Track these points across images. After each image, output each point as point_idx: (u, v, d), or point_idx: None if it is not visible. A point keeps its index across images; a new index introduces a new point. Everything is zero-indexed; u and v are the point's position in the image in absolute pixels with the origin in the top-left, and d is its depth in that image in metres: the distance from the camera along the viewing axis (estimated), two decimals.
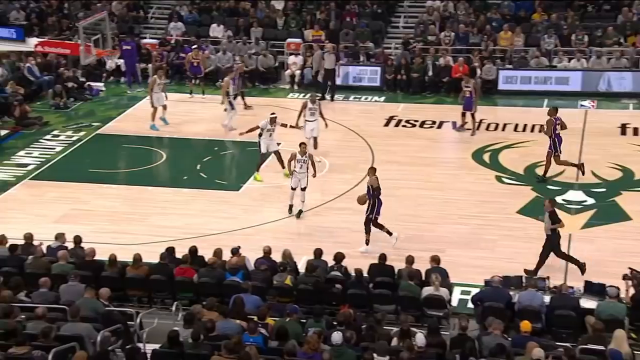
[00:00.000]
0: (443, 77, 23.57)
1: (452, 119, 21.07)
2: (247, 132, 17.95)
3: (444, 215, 16.02)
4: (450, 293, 12.29)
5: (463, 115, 20.22)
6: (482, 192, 17.06)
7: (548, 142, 17.15)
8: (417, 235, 15.11)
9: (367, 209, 14.54)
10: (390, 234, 14.64)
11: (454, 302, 12.56)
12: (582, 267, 13.43)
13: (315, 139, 18.53)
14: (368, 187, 14.57)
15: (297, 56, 24.85)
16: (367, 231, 14.58)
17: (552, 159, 17.14)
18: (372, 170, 14.77)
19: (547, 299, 11.84)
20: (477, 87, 20.54)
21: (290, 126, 18.20)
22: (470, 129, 20.18)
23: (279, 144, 17.79)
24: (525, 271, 13.22)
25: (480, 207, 16.31)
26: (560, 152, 17.17)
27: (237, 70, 21.63)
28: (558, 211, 13.87)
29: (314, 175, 16.07)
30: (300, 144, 16.08)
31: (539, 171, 17.53)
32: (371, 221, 14.53)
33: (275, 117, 17.55)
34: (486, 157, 18.91)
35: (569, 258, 13.68)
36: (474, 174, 18.01)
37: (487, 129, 20.58)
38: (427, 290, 11.96)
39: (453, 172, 18.22)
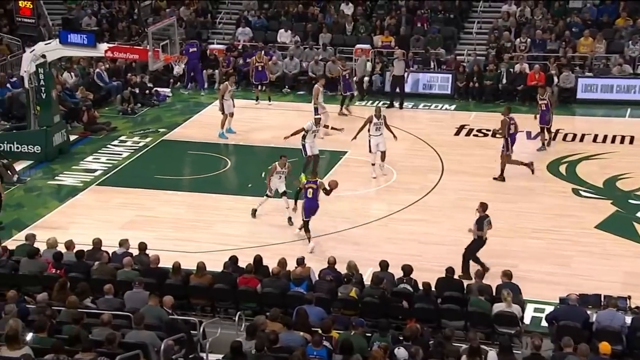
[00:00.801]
0: (518, 85, 22.91)
1: (526, 128, 20.36)
2: (291, 135, 17.83)
3: (517, 229, 15.48)
4: (523, 310, 11.84)
5: (542, 130, 19.31)
6: (557, 206, 16.44)
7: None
8: (489, 249, 14.52)
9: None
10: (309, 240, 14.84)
11: (527, 320, 12.12)
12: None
13: (382, 152, 17.94)
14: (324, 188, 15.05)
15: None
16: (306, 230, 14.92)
17: (504, 158, 17.23)
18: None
19: (628, 319, 11.26)
20: (552, 98, 19.74)
21: (332, 128, 18.02)
22: (547, 139, 19.40)
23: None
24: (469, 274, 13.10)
25: (555, 221, 15.70)
26: (512, 152, 17.13)
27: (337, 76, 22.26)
28: None
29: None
30: (281, 157, 15.99)
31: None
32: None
33: (320, 119, 17.42)
34: (562, 169, 18.26)
35: (467, 265, 13.48)
36: (548, 187, 17.39)
37: (563, 139, 19.87)
38: (498, 307, 11.52)
39: (526, 184, 17.57)
